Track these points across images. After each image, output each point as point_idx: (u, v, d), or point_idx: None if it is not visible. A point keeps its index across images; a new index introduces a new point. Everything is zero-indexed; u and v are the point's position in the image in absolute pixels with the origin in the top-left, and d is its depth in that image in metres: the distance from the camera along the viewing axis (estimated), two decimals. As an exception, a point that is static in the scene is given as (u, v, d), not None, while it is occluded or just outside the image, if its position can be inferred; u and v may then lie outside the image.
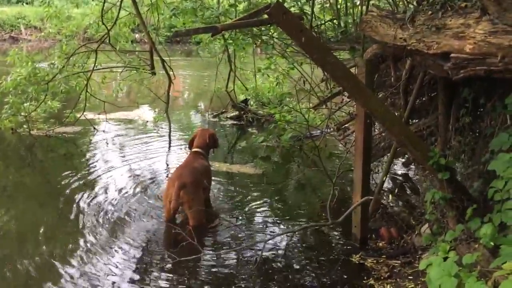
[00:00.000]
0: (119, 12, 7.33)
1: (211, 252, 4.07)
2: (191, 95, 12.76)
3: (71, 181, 5.53)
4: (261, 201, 5.19)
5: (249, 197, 5.31)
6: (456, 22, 3.19)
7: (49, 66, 7.22)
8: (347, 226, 4.24)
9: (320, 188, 5.72)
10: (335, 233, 4.45)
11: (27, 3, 25.92)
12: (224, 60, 8.61)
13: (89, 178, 5.67)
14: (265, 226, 4.59)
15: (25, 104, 7.28)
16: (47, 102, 7.47)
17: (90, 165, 6.17)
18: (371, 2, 4.97)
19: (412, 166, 6.05)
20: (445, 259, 2.82)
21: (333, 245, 4.28)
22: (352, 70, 4.61)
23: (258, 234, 4.42)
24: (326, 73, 5.24)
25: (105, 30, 7.27)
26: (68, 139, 7.37)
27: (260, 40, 6.74)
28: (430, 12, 3.44)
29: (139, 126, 8.53)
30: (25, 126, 7.38)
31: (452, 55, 3.17)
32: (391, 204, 5.11)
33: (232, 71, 8.69)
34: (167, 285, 3.59)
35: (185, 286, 3.57)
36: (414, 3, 4.27)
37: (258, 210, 4.98)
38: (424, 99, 4.77)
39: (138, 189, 5.37)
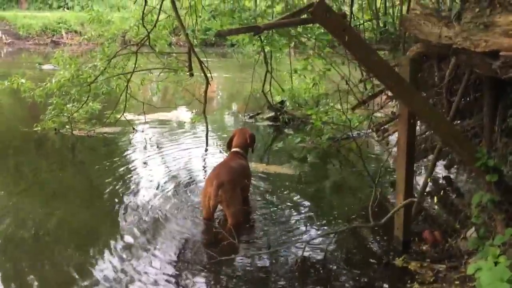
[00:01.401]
0: (159, 15, 7.44)
1: (251, 251, 4.04)
2: (227, 97, 12.81)
3: (111, 180, 5.58)
4: (299, 202, 5.15)
5: (287, 197, 5.27)
6: (505, 19, 3.09)
7: (91, 68, 7.41)
8: (389, 229, 4.13)
9: (359, 190, 5.62)
10: (377, 235, 4.34)
11: (68, 9, 26.74)
12: (260, 61, 8.64)
13: (128, 177, 5.73)
14: (304, 227, 4.53)
15: (68, 105, 7.47)
16: (89, 103, 7.64)
17: (130, 165, 6.22)
18: (412, 1, 4.89)
19: (454, 169, 5.92)
20: (495, 264, 2.73)
21: (375, 247, 4.18)
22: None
23: (297, 235, 4.36)
24: (369, 73, 5.18)
25: (145, 32, 7.43)
26: (108, 139, 7.44)
27: (296, 41, 6.74)
28: (477, 10, 3.33)
29: (177, 126, 8.57)
30: (67, 126, 7.53)
31: (501, 53, 3.07)
32: (435, 207, 5.00)
33: (269, 72, 8.70)
34: (206, 284, 3.59)
35: (224, 286, 3.56)
36: (459, 0, 4.18)
37: (296, 211, 4.94)
38: (468, 99, 4.64)
39: (176, 189, 5.38)
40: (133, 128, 7.96)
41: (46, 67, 14.05)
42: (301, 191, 5.46)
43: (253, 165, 6.18)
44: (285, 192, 5.42)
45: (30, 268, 3.77)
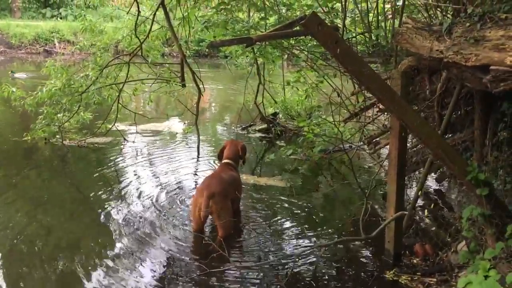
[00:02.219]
0: (151, 25, 7.45)
1: (240, 264, 4.01)
2: (219, 108, 12.80)
3: (102, 191, 5.57)
4: (290, 214, 5.16)
5: (278, 210, 5.27)
6: (496, 33, 3.11)
7: (83, 78, 7.37)
8: (379, 242, 4.12)
9: (350, 202, 5.65)
10: (367, 248, 4.36)
11: (61, 18, 26.72)
12: (253, 73, 8.64)
13: (118, 188, 5.71)
14: (294, 239, 4.51)
15: (58, 115, 7.42)
16: (80, 113, 7.60)
17: (120, 176, 6.21)
18: (404, 15, 4.93)
19: (445, 182, 5.94)
20: (485, 277, 2.73)
21: (366, 260, 4.18)
22: (385, 83, 4.55)
23: (288, 248, 4.34)
24: (360, 85, 5.19)
25: (138, 43, 7.42)
26: (99, 149, 7.40)
27: (289, 53, 6.76)
28: (468, 24, 3.35)
29: (169, 137, 8.56)
30: (58, 136, 7.48)
31: (492, 67, 3.08)
32: (426, 220, 5.00)
33: (261, 83, 8.71)
34: (197, 297, 3.59)
35: (214, 298, 3.57)
36: (450, 15, 4.22)
37: (287, 223, 4.93)
38: (459, 112, 4.67)
39: (166, 199, 5.38)
40: (124, 139, 7.92)
41: (18, 75, 14.11)
42: (292, 204, 5.45)
43: (244, 177, 6.16)
44: (276, 205, 5.41)
45: (13, 279, 3.69)
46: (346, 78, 6.01)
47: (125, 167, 6.59)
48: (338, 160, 6.77)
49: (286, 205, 5.41)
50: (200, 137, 7.74)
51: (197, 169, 6.71)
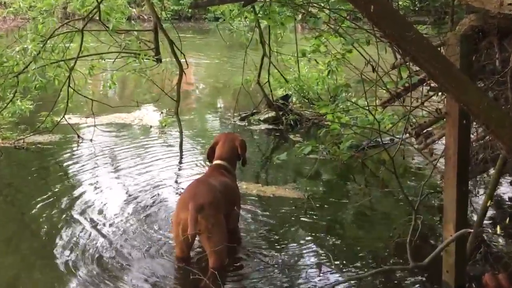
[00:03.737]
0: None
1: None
2: (209, 90, 12.83)
3: (47, 209, 5.52)
4: (309, 236, 5.15)
5: (291, 230, 5.26)
6: None
7: (19, 53, 7.29)
8: (434, 272, 4.10)
9: (392, 218, 5.64)
10: (418, 280, 4.33)
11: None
12: (254, 41, 8.61)
13: (72, 204, 5.67)
14: (315, 270, 4.44)
15: (-14, 105, 7.51)
16: (16, 102, 7.57)
17: (73, 187, 6.19)
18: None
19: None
20: None
21: (416, 298, 4.25)
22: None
23: (308, 283, 4.29)
24: (403, 56, 5.15)
25: (94, 3, 7.36)
26: (43, 151, 7.40)
27: (304, 12, 6.72)
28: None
29: (140, 133, 8.65)
30: (-14, 135, 7.59)
31: None
32: (498, 240, 4.96)
33: (266, 56, 8.68)
34: None
35: None
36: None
37: (305, 248, 4.92)
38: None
39: (138, 217, 5.38)
40: (79, 136, 7.95)
41: None
42: (312, 221, 5.44)
43: (244, 185, 6.20)
44: (288, 223, 5.39)
45: None
46: (384, 45, 5.99)
47: (80, 176, 6.56)
48: (374, 160, 6.80)
49: (304, 223, 5.39)
50: (184, 131, 7.78)
51: (179, 175, 6.73)
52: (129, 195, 5.97)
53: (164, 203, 5.79)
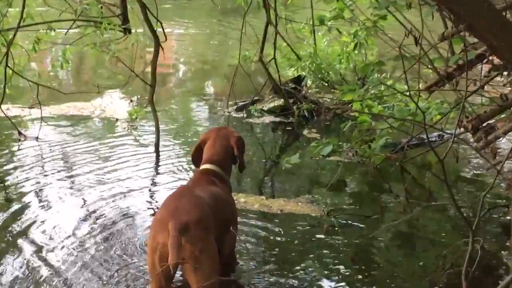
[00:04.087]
0: None
1: None
2: (195, 71, 12.73)
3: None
4: (330, 265, 5.07)
5: (306, 258, 5.17)
6: None
7: None
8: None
9: (442, 240, 5.53)
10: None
11: None
12: (256, 4, 8.51)
13: (8, 223, 5.61)
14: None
15: None
16: None
17: (11, 200, 6.12)
18: None
19: None
20: None
21: None
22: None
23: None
24: (456, 23, 5.04)
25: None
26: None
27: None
28: None
29: (102, 128, 8.63)
30: None
31: None
32: None
33: (272, 24, 8.56)
34: None
35: None
36: None
37: (325, 280, 4.87)
38: None
39: (98, 239, 5.31)
40: (20, 133, 7.94)
41: None
42: (333, 246, 5.38)
43: (242, 198, 6.16)
44: (302, 249, 5.32)
45: None
46: (430, 9, 5.88)
47: (21, 185, 6.50)
48: (418, 163, 6.70)
49: (323, 248, 5.32)
50: (161, 125, 7.73)
51: (154, 184, 6.73)
52: (86, 210, 5.86)
53: (134, 221, 5.68)
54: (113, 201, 6.11)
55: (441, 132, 6.60)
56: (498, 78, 5.96)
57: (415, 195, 6.34)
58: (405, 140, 6.65)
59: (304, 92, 8.76)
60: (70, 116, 8.79)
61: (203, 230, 4.19)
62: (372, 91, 6.37)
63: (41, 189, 6.40)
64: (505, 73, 5.73)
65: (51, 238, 5.30)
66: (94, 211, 5.84)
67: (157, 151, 7.44)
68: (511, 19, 4.12)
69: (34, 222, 5.64)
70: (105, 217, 5.74)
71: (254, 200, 6.20)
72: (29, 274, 4.79)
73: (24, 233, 5.42)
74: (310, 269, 5.02)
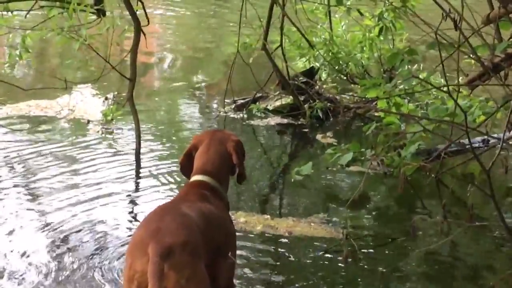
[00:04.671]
0: None
1: None
2: (183, 62, 12.73)
3: None
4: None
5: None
6: None
7: None
8: None
9: (487, 268, 5.71)
10: None
11: None
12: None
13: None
14: None
15: None
16: None
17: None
18: None
19: None
20: None
21: None
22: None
23: None
24: (503, 2, 5.07)
25: None
26: None
27: None
28: None
29: (70, 131, 8.58)
30: None
31: None
32: None
33: (278, 4, 8.56)
34: None
35: None
36: None
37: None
38: None
39: (60, 263, 5.42)
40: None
41: None
42: (353, 275, 5.47)
43: (242, 217, 6.12)
44: (315, 277, 5.43)
45: None
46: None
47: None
48: (458, 175, 6.63)
49: (341, 278, 5.42)
50: (142, 128, 7.65)
51: (133, 200, 6.78)
52: (46, 225, 5.94)
53: (106, 241, 5.72)
54: (79, 217, 6.32)
55: (486, 137, 6.61)
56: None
57: (454, 213, 6.28)
58: (442, 147, 6.65)
59: (317, 87, 8.75)
60: (30, 117, 8.68)
61: (190, 255, 4.17)
62: (401, 86, 6.37)
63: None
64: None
65: (3, 260, 5.47)
66: (56, 229, 6.02)
67: (137, 160, 7.33)
68: None
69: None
70: (69, 236, 5.90)
71: (256, 220, 6.16)
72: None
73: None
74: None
